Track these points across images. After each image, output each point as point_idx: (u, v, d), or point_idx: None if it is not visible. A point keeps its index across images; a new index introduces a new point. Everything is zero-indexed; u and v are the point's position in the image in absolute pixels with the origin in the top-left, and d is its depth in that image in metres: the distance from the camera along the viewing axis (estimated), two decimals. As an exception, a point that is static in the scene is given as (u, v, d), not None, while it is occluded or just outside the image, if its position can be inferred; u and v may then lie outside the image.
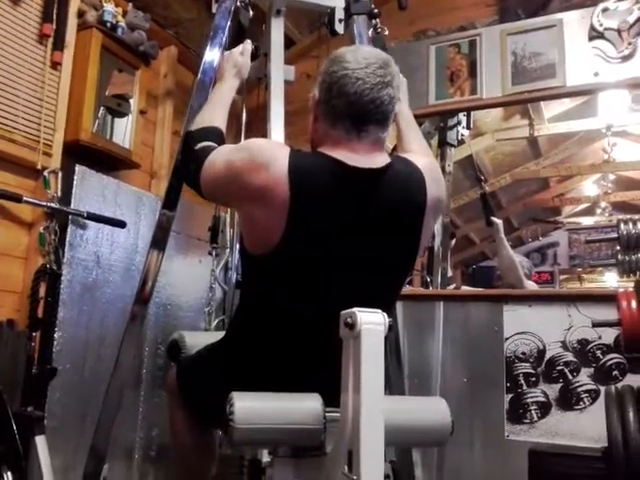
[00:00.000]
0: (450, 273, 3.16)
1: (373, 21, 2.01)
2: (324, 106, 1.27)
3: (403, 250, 1.29)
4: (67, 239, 2.02)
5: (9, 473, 1.57)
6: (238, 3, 1.98)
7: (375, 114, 1.23)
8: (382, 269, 1.25)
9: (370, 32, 2.00)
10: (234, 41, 1.87)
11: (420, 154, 1.40)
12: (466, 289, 3.08)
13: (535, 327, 2.23)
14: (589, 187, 5.37)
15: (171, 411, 1.58)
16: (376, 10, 2.01)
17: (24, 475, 1.64)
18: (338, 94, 1.22)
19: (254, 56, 1.81)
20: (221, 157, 1.27)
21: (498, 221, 2.98)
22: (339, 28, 2.07)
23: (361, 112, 1.23)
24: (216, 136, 1.42)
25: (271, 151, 1.21)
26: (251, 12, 2.03)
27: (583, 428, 2.09)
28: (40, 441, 1.72)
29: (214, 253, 2.45)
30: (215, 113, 1.51)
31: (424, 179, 1.28)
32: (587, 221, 5.69)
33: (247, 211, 1.23)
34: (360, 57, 1.23)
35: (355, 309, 1.01)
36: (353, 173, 1.21)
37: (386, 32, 2.02)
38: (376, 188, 1.23)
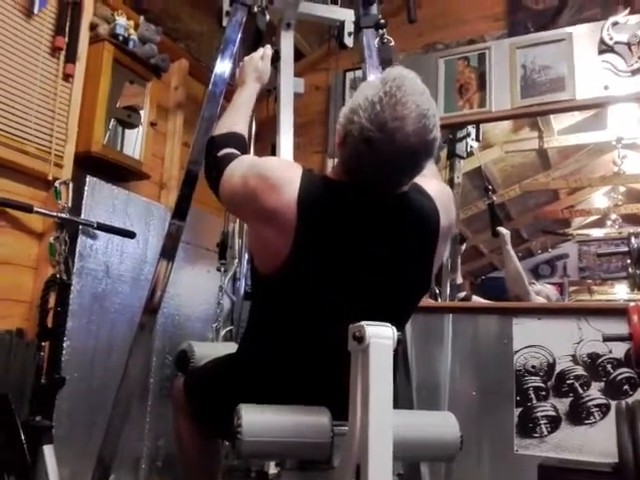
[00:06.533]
0: (460, 280, 3.13)
1: (380, 31, 2.02)
2: (345, 155, 1.18)
3: (414, 278, 1.27)
4: (77, 249, 2.03)
5: (17, 482, 1.57)
6: (255, 8, 1.99)
7: (398, 184, 1.20)
8: (391, 296, 1.24)
9: (376, 42, 2.01)
10: (253, 46, 1.89)
11: (430, 178, 1.36)
12: (477, 299, 3.04)
13: (545, 340, 2.22)
14: (599, 199, 5.33)
15: (177, 421, 1.58)
16: (382, 20, 2.02)
17: (32, 484, 1.65)
18: (364, 154, 1.12)
19: (274, 60, 1.82)
20: (238, 172, 1.27)
21: (505, 231, 2.90)
22: (348, 41, 2.09)
23: (384, 181, 1.17)
24: (238, 142, 1.42)
25: (284, 172, 1.20)
26: (268, 16, 2.04)
27: (593, 443, 2.07)
28: (48, 450, 1.72)
29: (222, 269, 2.46)
30: (237, 118, 1.51)
31: (437, 209, 1.25)
32: (597, 233, 5.64)
33: (257, 229, 1.23)
34: (399, 111, 1.09)
35: (364, 322, 1.01)
36: (365, 202, 1.19)
37: (392, 43, 2.03)
38: (388, 218, 1.21)
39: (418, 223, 1.24)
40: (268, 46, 1.79)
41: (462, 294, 3.12)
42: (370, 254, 1.20)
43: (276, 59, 1.87)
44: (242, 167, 1.27)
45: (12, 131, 1.92)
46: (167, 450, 2.31)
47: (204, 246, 2.63)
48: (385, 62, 1.99)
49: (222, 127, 1.49)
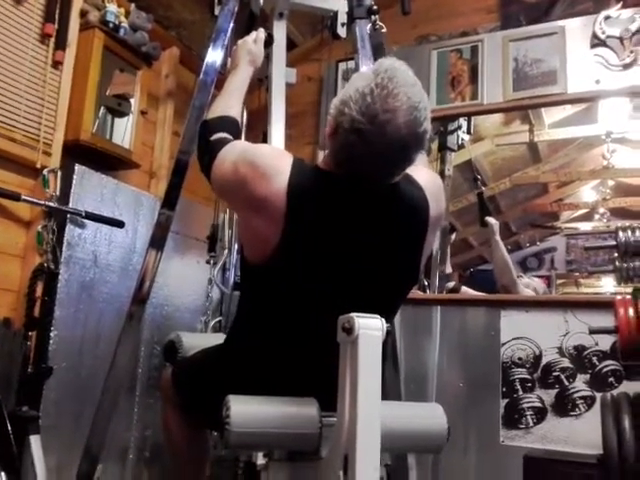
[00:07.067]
0: (450, 269, 3.14)
1: (372, 17, 2.01)
2: (336, 146, 1.18)
3: (403, 268, 1.27)
4: (65, 238, 2.01)
5: (3, 473, 1.56)
6: None
7: (389, 175, 1.19)
8: (380, 286, 1.24)
9: (368, 28, 2.01)
10: (246, 29, 1.87)
11: (420, 167, 1.34)
12: (466, 290, 3.06)
13: (532, 333, 2.24)
14: (588, 193, 5.37)
15: (164, 411, 1.58)
16: (375, 7, 2.01)
17: (18, 475, 1.64)
18: (354, 146, 1.12)
19: (267, 44, 1.81)
20: (229, 158, 1.26)
21: (493, 221, 2.91)
22: (341, 32, 2.08)
23: (374, 172, 1.17)
24: (231, 126, 1.41)
25: (275, 161, 1.19)
26: (261, 1, 2.02)
27: (578, 434, 2.09)
28: (35, 441, 1.72)
29: (212, 262, 2.45)
30: (231, 102, 1.51)
31: (426, 198, 1.26)
32: (585, 227, 5.67)
33: (247, 218, 1.23)
34: (390, 103, 1.09)
35: (353, 314, 1.01)
36: (355, 192, 1.19)
37: (384, 29, 2.02)
38: (377, 208, 1.21)
39: (408, 213, 1.24)
40: (261, 29, 1.78)
41: (451, 284, 3.13)
42: (359, 244, 1.20)
43: (269, 43, 1.86)
44: (234, 153, 1.26)
45: (0, 118, 1.90)
46: (155, 440, 2.31)
47: (193, 236, 2.62)
48: (376, 47, 1.98)
49: (215, 111, 1.48)
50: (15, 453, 1.63)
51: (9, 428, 1.62)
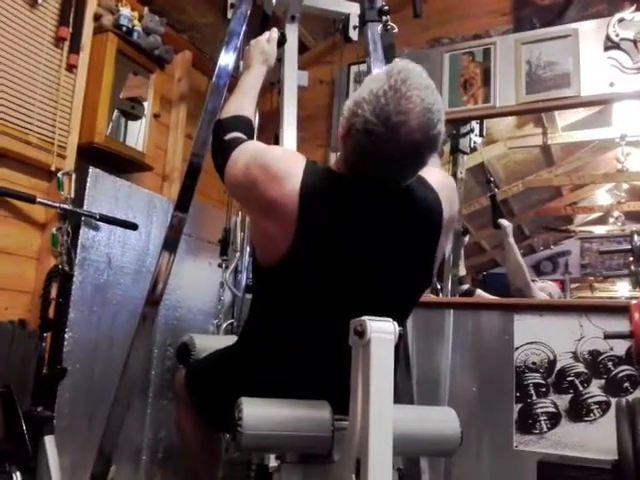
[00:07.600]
0: (464, 271, 3.12)
1: (383, 17, 2.01)
2: (348, 148, 1.17)
3: (416, 271, 1.26)
4: (79, 240, 2.03)
5: (18, 473, 1.58)
6: None
7: (402, 178, 1.18)
8: (393, 289, 1.23)
9: (379, 29, 2.00)
10: (259, 29, 1.88)
11: (432, 169, 1.32)
12: (480, 293, 3.04)
13: (546, 337, 2.22)
14: (602, 196, 5.33)
15: (178, 413, 1.59)
16: (386, 7, 2.00)
17: (33, 475, 1.66)
18: (367, 147, 1.12)
19: (280, 43, 1.81)
20: (242, 158, 1.26)
21: (507, 223, 2.89)
22: (353, 35, 2.08)
23: (386, 175, 1.17)
24: (245, 125, 1.41)
25: (287, 163, 1.19)
26: (274, 0, 2.03)
27: (593, 440, 2.07)
28: (49, 441, 1.73)
29: (224, 265, 2.46)
30: (244, 101, 1.51)
31: (440, 200, 1.24)
32: (599, 230, 5.63)
33: (258, 220, 1.23)
34: (403, 105, 1.08)
35: (365, 317, 1.00)
36: (368, 194, 1.19)
37: (395, 29, 2.02)
38: (390, 210, 1.20)
39: (421, 215, 1.23)
40: (274, 29, 1.78)
41: (465, 287, 3.11)
42: (372, 246, 1.19)
43: (282, 42, 1.86)
44: (246, 154, 1.26)
45: (15, 121, 1.92)
46: (168, 441, 2.32)
47: (206, 239, 2.63)
48: (387, 48, 1.98)
49: (229, 110, 1.48)
50: (30, 453, 1.64)
51: (24, 428, 1.64)
